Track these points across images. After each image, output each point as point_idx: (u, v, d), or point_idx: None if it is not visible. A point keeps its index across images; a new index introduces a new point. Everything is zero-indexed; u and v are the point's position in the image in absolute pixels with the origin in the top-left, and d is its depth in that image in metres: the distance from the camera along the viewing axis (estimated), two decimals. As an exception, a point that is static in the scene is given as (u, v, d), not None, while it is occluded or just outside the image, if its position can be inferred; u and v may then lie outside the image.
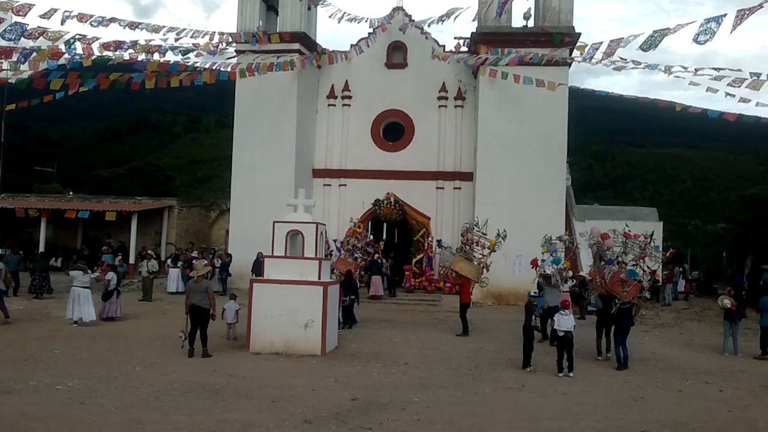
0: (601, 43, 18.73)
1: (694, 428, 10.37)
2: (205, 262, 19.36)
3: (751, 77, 19.32)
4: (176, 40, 24.73)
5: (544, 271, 18.55)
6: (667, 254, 17.58)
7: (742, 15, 13.87)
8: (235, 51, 28.99)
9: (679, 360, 16.46)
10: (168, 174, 58.46)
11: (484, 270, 20.27)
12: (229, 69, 26.92)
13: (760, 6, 13.53)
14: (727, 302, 17.65)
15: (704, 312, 26.40)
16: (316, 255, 15.92)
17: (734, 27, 13.86)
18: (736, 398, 12.61)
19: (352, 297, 19.79)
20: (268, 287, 15.52)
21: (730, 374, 14.93)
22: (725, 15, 14.23)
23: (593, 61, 20.22)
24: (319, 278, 15.71)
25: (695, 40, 14.77)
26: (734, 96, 20.19)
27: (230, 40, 27.89)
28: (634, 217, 33.74)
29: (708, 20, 14.58)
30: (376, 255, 26.91)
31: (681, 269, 33.64)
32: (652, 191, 71.12)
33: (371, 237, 26.62)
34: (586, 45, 19.93)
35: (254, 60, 26.85)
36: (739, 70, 19.26)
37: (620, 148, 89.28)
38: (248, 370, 13.39)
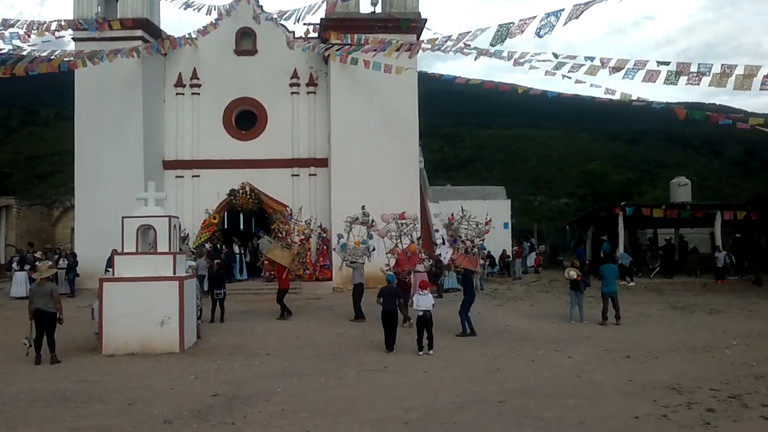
0: (450, 35, 19.52)
1: (547, 395, 10.92)
2: (50, 263, 18.24)
3: (587, 61, 20.48)
4: (8, 29, 23.12)
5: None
6: (485, 224, 19.42)
7: (578, 9, 14.79)
8: (73, 39, 27.46)
9: (530, 331, 17.32)
10: (4, 171, 54.51)
11: (298, 257, 21.60)
12: (71, 58, 25.38)
13: (594, 2, 14.46)
14: (573, 273, 18.81)
15: (552, 283, 27.90)
16: (170, 249, 15.43)
17: (569, 18, 14.75)
18: (584, 363, 13.42)
19: (223, 290, 19.57)
20: (119, 286, 14.89)
21: (577, 341, 15.86)
22: (563, 9, 15.16)
23: (444, 48, 20.79)
24: (174, 273, 15.22)
25: (537, 34, 15.73)
26: (570, 78, 21.30)
27: (67, 27, 26.36)
28: (484, 196, 35.24)
29: (548, 14, 15.48)
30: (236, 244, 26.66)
31: (530, 244, 35.35)
32: (500, 170, 73.93)
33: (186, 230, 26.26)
34: (437, 37, 20.56)
35: (97, 49, 25.48)
36: (575, 57, 20.29)
37: (469, 129, 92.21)
38: (102, 373, 12.77)
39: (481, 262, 19.21)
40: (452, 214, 19.63)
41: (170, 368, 13.22)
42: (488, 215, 19.22)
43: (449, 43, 19.39)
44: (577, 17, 14.72)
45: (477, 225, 18.84)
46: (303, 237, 22.73)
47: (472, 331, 16.50)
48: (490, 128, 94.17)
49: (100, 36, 26.72)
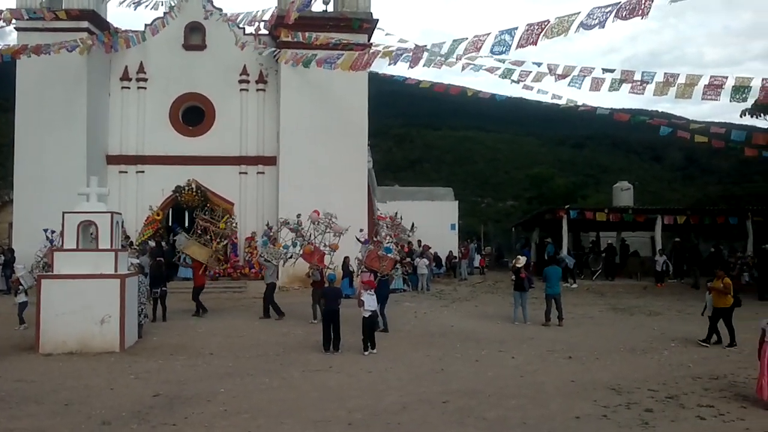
0: (408, 50, 19.74)
1: (490, 395, 11.03)
2: (-15, 259, 17.75)
3: (534, 66, 20.82)
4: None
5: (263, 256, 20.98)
6: (411, 229, 20.19)
7: (531, 29, 14.95)
8: (16, 29, 26.67)
9: (475, 331, 17.46)
10: (-61, 163, 52.70)
11: (216, 253, 22.65)
12: (17, 48, 24.62)
13: (548, 21, 14.69)
14: (522, 259, 19.45)
15: (496, 284, 28.18)
16: (111, 246, 15.09)
17: (527, 43, 14.92)
18: (527, 364, 13.59)
19: (164, 288, 19.30)
20: (58, 283, 14.50)
21: (520, 341, 16.06)
22: (516, 28, 15.31)
23: (398, 60, 20.88)
24: (116, 271, 14.90)
25: (492, 52, 15.87)
26: (519, 83, 21.62)
27: (10, 16, 25.60)
28: (432, 197, 35.41)
29: (502, 32, 15.62)
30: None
31: (476, 245, 35.65)
32: (449, 172, 74.39)
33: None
34: (393, 50, 20.67)
35: (41, 43, 24.74)
36: (523, 62, 20.62)
37: (418, 130, 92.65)
38: (38, 373, 12.42)
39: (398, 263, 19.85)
40: (391, 214, 20.11)
41: (110, 368, 12.93)
42: (397, 213, 19.98)
43: (405, 54, 19.64)
44: (534, 43, 14.89)
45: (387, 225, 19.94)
46: (224, 235, 23.46)
47: (384, 327, 17.01)
48: (439, 130, 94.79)
49: (45, 26, 26.01)
